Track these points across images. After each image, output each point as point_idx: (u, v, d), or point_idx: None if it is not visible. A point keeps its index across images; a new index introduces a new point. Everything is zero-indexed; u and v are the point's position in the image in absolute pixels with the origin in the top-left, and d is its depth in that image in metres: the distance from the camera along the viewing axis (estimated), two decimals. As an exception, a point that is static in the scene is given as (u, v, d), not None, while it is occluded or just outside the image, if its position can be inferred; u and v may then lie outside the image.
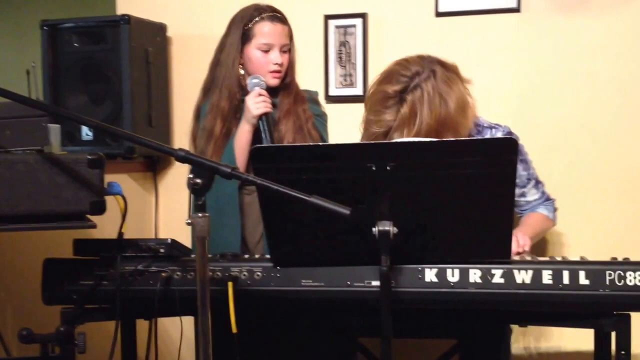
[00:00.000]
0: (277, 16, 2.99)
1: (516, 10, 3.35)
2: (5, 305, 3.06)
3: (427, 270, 2.32)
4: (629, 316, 2.32)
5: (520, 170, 2.83)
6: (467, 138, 2.73)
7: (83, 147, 3.44)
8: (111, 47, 3.48)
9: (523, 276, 2.29)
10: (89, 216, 2.39)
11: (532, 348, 3.37)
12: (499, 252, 2.30)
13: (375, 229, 2.12)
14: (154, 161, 3.82)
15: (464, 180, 2.19)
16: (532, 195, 2.89)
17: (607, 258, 2.37)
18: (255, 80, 2.91)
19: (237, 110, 2.96)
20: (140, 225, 3.75)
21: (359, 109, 3.43)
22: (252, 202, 2.93)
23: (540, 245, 3.28)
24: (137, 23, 3.50)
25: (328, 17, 3.59)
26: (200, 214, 2.01)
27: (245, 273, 2.42)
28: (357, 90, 3.55)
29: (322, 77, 3.60)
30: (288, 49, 3.01)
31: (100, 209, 2.37)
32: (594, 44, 3.29)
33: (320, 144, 2.94)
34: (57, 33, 3.54)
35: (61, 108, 3.42)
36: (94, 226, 2.39)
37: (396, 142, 2.57)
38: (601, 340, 2.50)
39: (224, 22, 3.06)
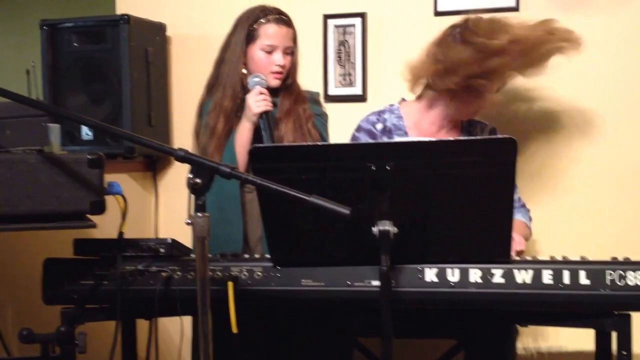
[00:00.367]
0: (282, 19, 3.00)
1: (515, 9, 3.35)
2: (6, 305, 3.06)
3: (427, 270, 2.32)
4: (629, 316, 2.32)
5: None
6: (467, 138, 2.73)
7: (83, 146, 3.43)
8: (111, 47, 3.48)
9: (523, 276, 2.29)
10: (89, 216, 2.39)
11: (532, 348, 3.37)
12: (499, 252, 2.30)
13: (375, 229, 2.12)
14: (153, 161, 3.82)
15: (464, 180, 2.19)
16: None
17: (607, 258, 2.37)
18: (257, 79, 2.92)
19: (239, 108, 2.97)
20: (140, 225, 3.75)
21: (358, 108, 3.45)
22: (253, 200, 2.93)
23: (540, 245, 3.28)
24: (136, 23, 3.50)
25: (327, 17, 3.59)
26: (200, 214, 2.01)
27: (246, 273, 2.42)
28: (356, 90, 3.55)
29: (321, 76, 3.60)
30: (291, 51, 3.02)
31: (100, 208, 2.37)
32: (592, 43, 3.27)
33: (320, 143, 2.95)
34: (56, 33, 3.54)
35: (61, 108, 3.42)
36: (94, 226, 2.39)
37: (396, 142, 2.57)
38: (602, 340, 2.50)
39: (223, 21, 3.07)
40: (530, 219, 2.93)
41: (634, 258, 2.35)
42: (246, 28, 2.98)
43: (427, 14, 3.44)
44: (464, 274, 2.31)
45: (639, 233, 3.24)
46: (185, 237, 2.66)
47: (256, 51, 2.97)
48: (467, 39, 2.74)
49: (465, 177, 2.18)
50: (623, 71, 3.26)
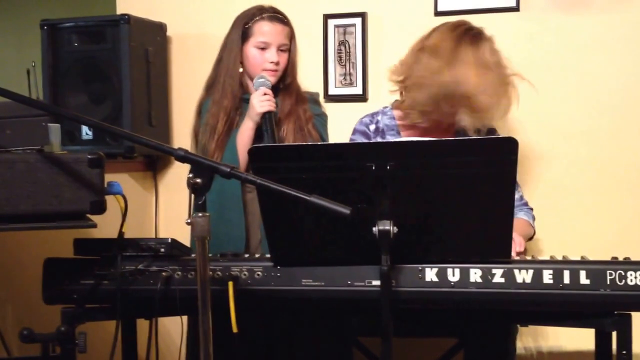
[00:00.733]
0: (277, 16, 3.01)
1: (515, 9, 3.35)
2: (6, 305, 3.06)
3: (427, 270, 2.32)
4: (629, 316, 2.32)
5: None
6: (468, 138, 2.73)
7: (83, 146, 3.43)
8: (111, 47, 3.48)
9: (523, 276, 2.29)
10: (89, 216, 2.39)
11: (532, 348, 3.37)
12: (500, 252, 2.30)
13: (375, 229, 2.13)
14: (154, 160, 3.82)
15: (464, 180, 2.19)
16: None
17: (607, 258, 2.37)
18: (261, 80, 2.93)
19: (238, 107, 2.98)
20: (140, 224, 3.75)
21: (359, 108, 3.45)
22: (253, 199, 2.93)
23: (540, 245, 3.28)
24: (136, 23, 3.50)
25: (327, 17, 3.59)
26: (200, 214, 2.01)
27: (246, 272, 2.42)
28: (357, 90, 3.55)
29: (322, 76, 3.60)
30: (287, 49, 3.02)
31: (100, 208, 2.37)
32: (593, 43, 3.29)
33: (320, 143, 2.95)
34: (57, 32, 3.54)
35: (61, 107, 3.42)
36: (94, 226, 2.38)
37: (396, 142, 2.57)
38: (602, 340, 2.50)
39: (223, 21, 3.07)
40: (533, 218, 2.92)
41: (634, 258, 2.35)
42: (241, 27, 2.99)
43: (427, 13, 3.44)
44: (464, 273, 2.31)
45: (639, 233, 3.25)
46: (186, 237, 2.66)
47: (250, 49, 2.98)
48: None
49: (466, 176, 2.19)
50: (623, 71, 3.25)
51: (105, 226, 2.46)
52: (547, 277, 2.28)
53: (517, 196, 2.86)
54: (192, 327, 2.85)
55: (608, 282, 2.26)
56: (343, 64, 3.58)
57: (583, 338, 2.80)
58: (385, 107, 3.01)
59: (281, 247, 2.36)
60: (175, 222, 3.63)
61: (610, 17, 3.25)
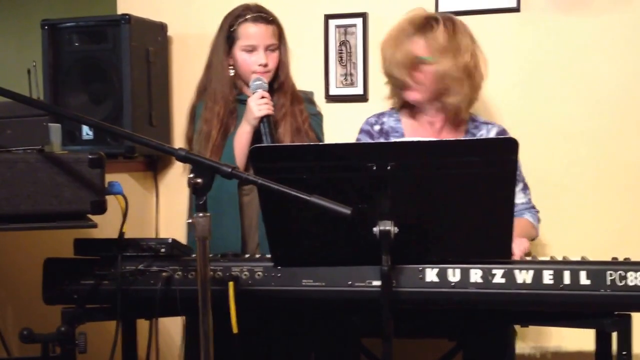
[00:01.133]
0: (261, 16, 2.96)
1: (516, 9, 3.34)
2: (6, 305, 3.06)
3: (428, 270, 2.32)
4: (629, 316, 2.32)
5: None
6: (469, 138, 2.73)
7: (84, 146, 3.43)
8: (112, 47, 3.47)
9: (524, 276, 2.29)
10: (89, 216, 2.39)
11: (532, 348, 3.37)
12: (500, 252, 2.30)
13: (376, 229, 2.13)
14: (154, 160, 3.82)
15: (464, 180, 2.19)
16: (519, 198, 2.86)
17: (608, 258, 2.37)
18: (258, 82, 2.90)
19: (232, 110, 2.96)
20: (140, 224, 3.75)
21: (360, 108, 3.46)
22: (250, 203, 2.93)
23: (541, 245, 3.28)
24: (137, 22, 3.50)
25: (328, 17, 3.58)
26: (201, 214, 2.01)
27: (246, 273, 2.42)
28: (358, 90, 3.55)
29: (323, 76, 3.59)
30: (275, 48, 2.98)
31: (100, 208, 2.37)
32: (593, 43, 3.28)
33: (321, 143, 2.94)
34: (57, 32, 3.53)
35: (62, 107, 3.42)
36: (94, 226, 2.38)
37: (397, 142, 2.57)
38: (602, 341, 2.50)
39: (224, 22, 3.06)
40: (538, 220, 2.92)
41: (634, 258, 2.35)
42: (226, 29, 2.97)
43: (428, 14, 3.44)
44: (465, 274, 2.31)
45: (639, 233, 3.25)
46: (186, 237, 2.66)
47: (238, 52, 2.95)
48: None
49: (466, 177, 2.19)
50: (623, 71, 3.25)
51: (106, 226, 2.46)
52: (548, 277, 2.28)
53: (525, 199, 2.88)
54: (189, 327, 2.85)
55: (608, 283, 2.26)
56: (344, 64, 3.58)
57: (583, 338, 2.80)
58: (392, 109, 3.01)
59: (282, 247, 2.36)
60: (176, 222, 3.63)
61: (610, 17, 3.25)
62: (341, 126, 3.28)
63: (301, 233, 2.32)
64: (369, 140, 2.91)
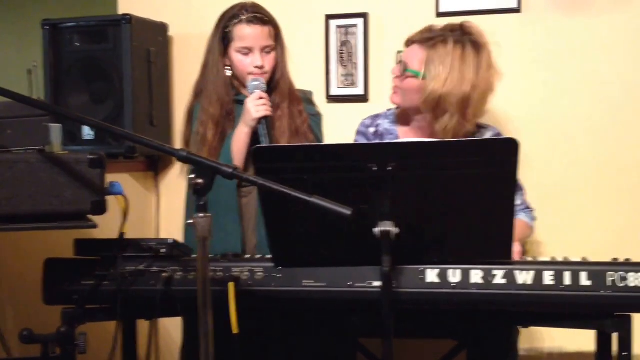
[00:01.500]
0: (256, 17, 2.93)
1: (517, 10, 3.34)
2: (6, 305, 3.06)
3: (428, 271, 2.32)
4: (630, 317, 2.32)
5: None
6: (469, 139, 2.73)
7: (84, 146, 3.43)
8: (112, 47, 3.47)
9: (524, 277, 2.29)
10: (90, 216, 2.39)
11: (533, 349, 3.36)
12: (500, 253, 2.30)
13: (376, 230, 2.13)
14: (155, 161, 3.82)
15: (465, 181, 2.19)
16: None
17: (608, 259, 2.37)
18: (256, 83, 2.88)
19: (229, 111, 2.95)
20: (141, 225, 3.75)
21: (360, 108, 3.45)
22: (248, 204, 2.92)
23: (541, 246, 3.27)
24: (138, 23, 3.50)
25: (329, 17, 3.58)
26: (201, 215, 2.01)
27: (247, 273, 2.42)
28: (358, 90, 3.55)
29: (323, 76, 3.59)
30: (271, 49, 2.95)
31: (101, 208, 2.37)
32: (594, 44, 3.28)
33: (322, 144, 2.94)
34: (58, 32, 3.53)
35: (62, 108, 3.42)
36: (95, 226, 2.38)
37: (397, 143, 2.57)
38: (603, 342, 2.50)
39: (225, 22, 3.06)
40: (533, 218, 2.92)
41: (635, 259, 2.35)
42: (221, 30, 2.94)
43: (429, 14, 3.43)
44: (465, 274, 2.31)
45: (640, 234, 3.25)
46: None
47: (234, 54, 2.93)
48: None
49: (467, 177, 2.18)
50: (624, 72, 3.25)
51: (106, 227, 2.46)
52: (548, 278, 2.28)
53: (519, 201, 2.86)
54: (187, 328, 2.85)
55: (609, 284, 2.26)
56: (345, 64, 3.58)
57: (584, 339, 2.80)
58: (389, 110, 3.00)
59: (282, 247, 2.36)
60: (176, 223, 3.62)
61: (611, 18, 3.25)
62: (342, 126, 3.27)
63: (301, 234, 2.32)
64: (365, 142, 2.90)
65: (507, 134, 3.04)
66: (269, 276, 2.41)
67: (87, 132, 3.49)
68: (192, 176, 2.02)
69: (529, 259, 2.48)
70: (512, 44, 3.36)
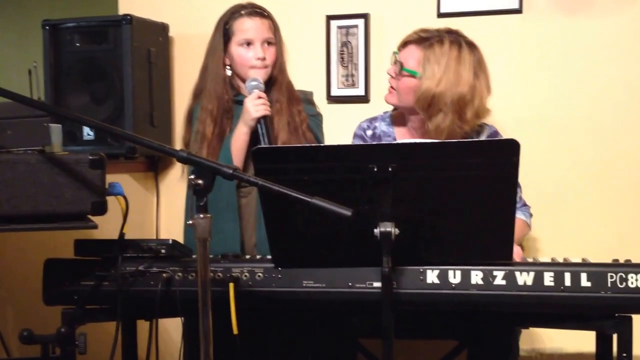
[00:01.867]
0: (256, 11, 2.95)
1: (518, 11, 3.34)
2: (6, 306, 3.06)
3: (428, 272, 2.32)
4: (630, 318, 2.32)
5: None
6: (469, 139, 2.72)
7: (84, 147, 3.43)
8: (113, 47, 3.47)
9: (525, 278, 2.29)
10: (90, 216, 2.39)
11: (533, 350, 3.36)
12: (501, 254, 2.30)
13: (376, 230, 2.12)
14: (155, 161, 3.82)
15: (465, 182, 2.19)
16: None
17: (608, 260, 2.37)
18: (254, 83, 2.88)
19: (228, 110, 2.95)
20: (141, 225, 3.75)
21: (361, 109, 3.45)
22: (247, 205, 2.92)
23: (541, 247, 3.27)
24: (139, 23, 3.50)
25: (330, 18, 3.58)
26: (201, 215, 2.01)
27: (247, 274, 2.42)
28: (359, 91, 3.55)
29: (324, 77, 3.59)
30: (272, 42, 2.96)
31: (101, 209, 2.37)
32: (595, 45, 3.28)
33: (322, 144, 2.94)
34: (58, 33, 3.53)
35: (63, 108, 3.42)
36: (95, 226, 2.38)
37: (398, 144, 2.57)
38: (603, 343, 2.50)
39: (225, 22, 3.06)
40: (530, 215, 2.92)
41: (635, 260, 2.35)
42: (222, 28, 2.95)
43: (430, 15, 3.44)
44: (466, 275, 2.30)
45: (640, 235, 3.25)
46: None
47: (235, 48, 2.93)
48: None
49: (468, 178, 2.18)
50: (625, 73, 3.25)
51: (106, 227, 2.46)
52: (548, 279, 2.28)
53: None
54: (187, 328, 2.84)
55: (609, 285, 2.26)
56: (345, 65, 3.58)
57: (584, 340, 2.79)
58: (385, 112, 3.00)
59: (282, 248, 2.36)
60: (176, 223, 3.62)
61: (612, 18, 3.25)
62: (342, 127, 3.27)
63: (302, 234, 2.32)
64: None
65: (507, 134, 3.04)
66: (269, 277, 2.41)
67: (87, 133, 3.49)
68: (192, 177, 2.02)
69: (529, 259, 2.48)
70: (513, 45, 3.36)
